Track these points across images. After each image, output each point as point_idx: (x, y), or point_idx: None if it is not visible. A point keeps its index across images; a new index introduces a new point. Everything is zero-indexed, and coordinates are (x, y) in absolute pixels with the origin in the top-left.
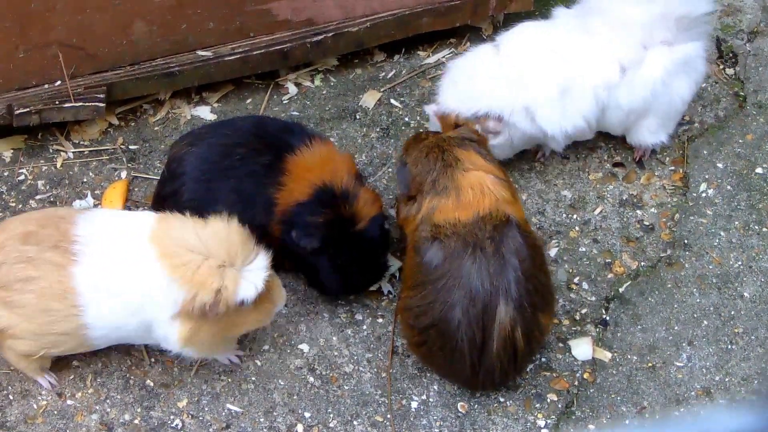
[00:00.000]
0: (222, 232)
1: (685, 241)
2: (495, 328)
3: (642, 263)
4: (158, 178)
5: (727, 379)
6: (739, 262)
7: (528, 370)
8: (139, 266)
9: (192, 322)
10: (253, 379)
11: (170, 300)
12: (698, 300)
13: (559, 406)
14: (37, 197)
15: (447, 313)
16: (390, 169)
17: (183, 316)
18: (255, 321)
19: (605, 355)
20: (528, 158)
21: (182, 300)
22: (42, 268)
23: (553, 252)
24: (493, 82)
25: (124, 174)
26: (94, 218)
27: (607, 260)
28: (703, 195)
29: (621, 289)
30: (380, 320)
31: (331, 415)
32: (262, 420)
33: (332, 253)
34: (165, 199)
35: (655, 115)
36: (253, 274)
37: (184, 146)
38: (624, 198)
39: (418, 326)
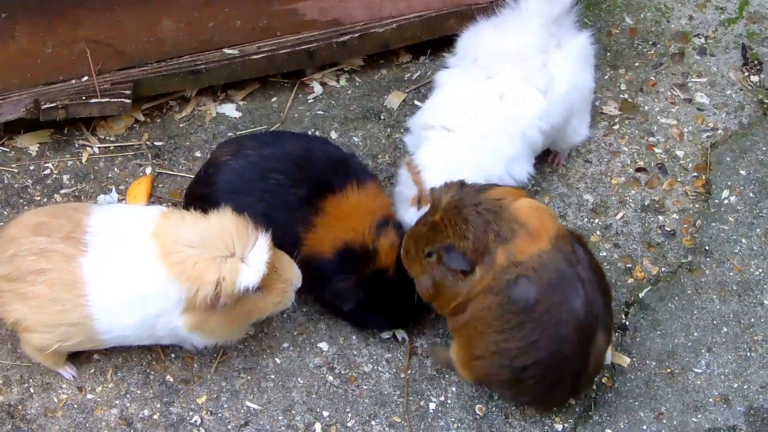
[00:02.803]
0: (218, 224)
1: (707, 248)
2: (592, 353)
3: (663, 269)
4: (183, 174)
5: (745, 387)
6: (760, 270)
7: None
8: (141, 262)
9: (198, 314)
10: (272, 376)
11: (175, 297)
12: (718, 307)
13: (577, 410)
14: (62, 191)
15: (558, 347)
16: None
17: (188, 310)
18: (272, 304)
19: (624, 360)
20: (549, 162)
21: (185, 294)
22: (53, 258)
23: None
24: (477, 166)
25: (148, 170)
26: (107, 210)
27: (627, 265)
28: (726, 202)
29: (641, 295)
30: None
31: (349, 415)
32: (280, 418)
33: (368, 305)
34: (197, 199)
35: (575, 116)
36: (253, 259)
37: (225, 153)
38: (646, 203)
39: (516, 366)
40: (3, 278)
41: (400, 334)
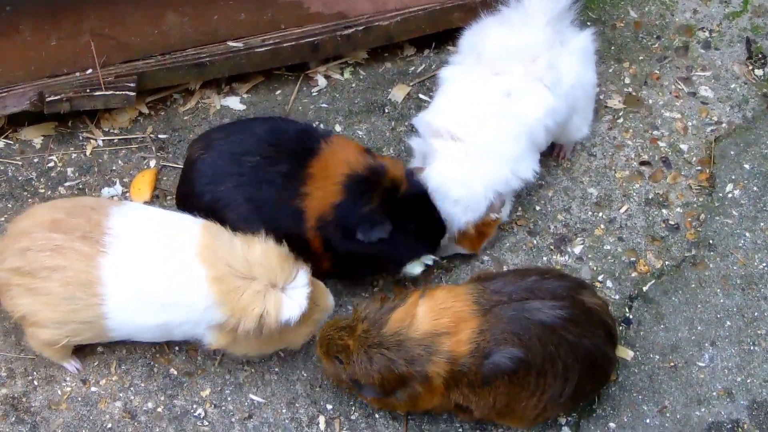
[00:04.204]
0: (264, 254)
1: (710, 242)
2: (594, 311)
3: (666, 262)
4: None
5: (749, 380)
6: (764, 264)
7: None
8: (182, 277)
9: (229, 337)
10: (276, 369)
11: (209, 315)
12: (722, 300)
13: (581, 403)
14: (66, 184)
15: (576, 347)
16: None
17: (221, 329)
18: (306, 334)
19: (628, 354)
20: (555, 155)
21: (223, 319)
22: (69, 256)
23: (577, 249)
24: (485, 175)
25: (153, 163)
26: (128, 212)
27: (631, 259)
28: (729, 195)
29: (645, 288)
30: None
31: (353, 408)
32: (284, 411)
33: (401, 226)
34: (182, 199)
35: (578, 113)
36: (296, 292)
37: (197, 150)
38: (650, 197)
39: (569, 391)
40: (13, 271)
41: (430, 260)
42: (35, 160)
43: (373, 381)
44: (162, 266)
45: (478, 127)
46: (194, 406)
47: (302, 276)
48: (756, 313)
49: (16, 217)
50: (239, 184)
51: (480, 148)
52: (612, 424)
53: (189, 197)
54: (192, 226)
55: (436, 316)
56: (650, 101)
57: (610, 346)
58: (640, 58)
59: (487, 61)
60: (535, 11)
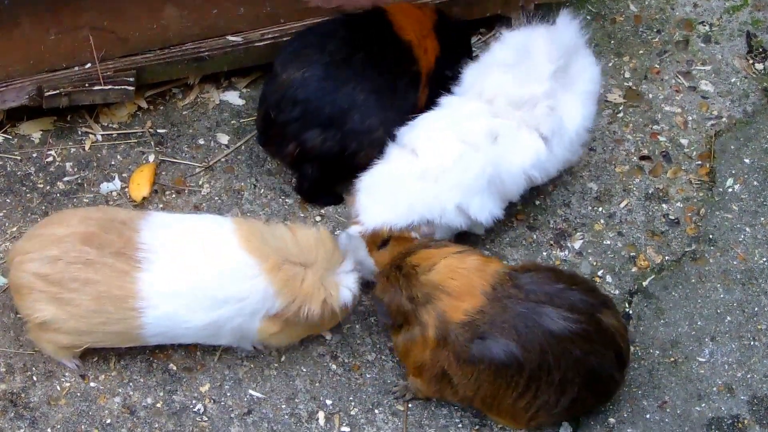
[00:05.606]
0: (314, 239)
1: (711, 236)
2: (608, 334)
3: (666, 257)
4: (185, 162)
5: (749, 376)
6: (764, 259)
7: None
8: (233, 271)
9: (279, 325)
10: (276, 365)
11: (266, 306)
12: (722, 296)
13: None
14: (65, 179)
15: (578, 362)
16: None
17: (275, 317)
18: (336, 321)
19: None
20: None
21: (280, 307)
22: (103, 272)
23: (577, 244)
24: (419, 189)
25: (151, 157)
26: (156, 224)
27: (631, 254)
28: (730, 190)
29: (645, 283)
30: None
31: (353, 403)
32: (283, 406)
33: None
34: (285, 125)
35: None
36: (346, 278)
37: (294, 71)
38: (650, 192)
39: (565, 402)
40: (41, 277)
41: None
42: (34, 155)
43: (383, 302)
44: (207, 266)
45: (441, 151)
46: (193, 402)
47: (348, 263)
48: (756, 308)
49: (44, 220)
50: (366, 89)
51: (430, 169)
52: (612, 420)
53: (300, 118)
54: (225, 222)
55: (451, 275)
56: (650, 95)
57: (618, 370)
58: (640, 52)
59: (487, 99)
60: (541, 60)
